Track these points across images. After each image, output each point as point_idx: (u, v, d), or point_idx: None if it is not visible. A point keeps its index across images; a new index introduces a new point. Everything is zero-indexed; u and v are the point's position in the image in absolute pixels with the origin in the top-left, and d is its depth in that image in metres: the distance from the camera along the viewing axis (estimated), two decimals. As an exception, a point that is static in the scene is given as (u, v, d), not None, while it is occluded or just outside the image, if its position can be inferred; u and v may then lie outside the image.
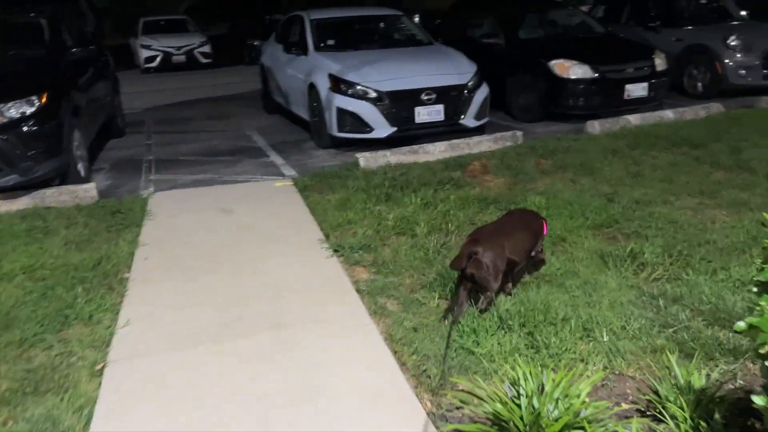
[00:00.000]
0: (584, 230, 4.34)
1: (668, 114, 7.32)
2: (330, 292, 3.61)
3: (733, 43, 8.48)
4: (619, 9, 10.47)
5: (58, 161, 5.54)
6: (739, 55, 8.44)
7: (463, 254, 3.10)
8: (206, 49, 17.88)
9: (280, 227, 4.69)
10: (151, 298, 3.60)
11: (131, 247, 4.36)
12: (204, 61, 17.73)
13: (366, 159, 6.15)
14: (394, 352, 2.98)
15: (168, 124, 9.41)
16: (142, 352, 3.04)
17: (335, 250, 4.20)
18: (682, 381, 2.43)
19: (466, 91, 6.84)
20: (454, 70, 6.92)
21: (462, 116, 6.87)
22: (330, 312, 3.36)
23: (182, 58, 17.42)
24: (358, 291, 3.62)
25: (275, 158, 6.94)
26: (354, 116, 6.64)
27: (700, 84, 8.90)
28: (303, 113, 7.79)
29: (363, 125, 6.64)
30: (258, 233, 4.57)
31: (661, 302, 3.31)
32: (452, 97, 6.76)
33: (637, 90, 7.51)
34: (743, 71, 8.42)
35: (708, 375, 2.56)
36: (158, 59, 17.25)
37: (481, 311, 3.16)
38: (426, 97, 6.65)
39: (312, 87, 7.20)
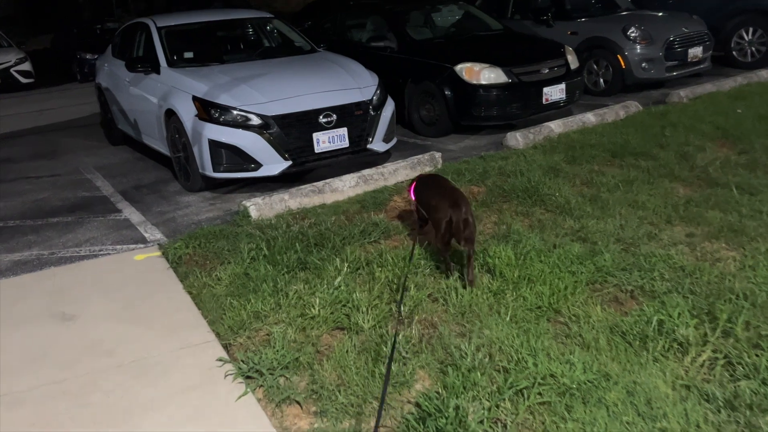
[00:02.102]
0: (579, 294, 3.27)
1: (590, 117, 6.54)
2: (260, 481, 2.18)
3: (634, 35, 7.94)
4: (501, 2, 9.69)
5: None
6: (641, 47, 7.91)
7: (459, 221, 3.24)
8: (26, 66, 15.01)
9: (153, 340, 3.14)
10: None
11: None
12: (24, 81, 14.88)
13: (258, 207, 4.69)
14: None
15: (-24, 171, 7.19)
16: None
17: (247, 377, 2.77)
18: None
19: (371, 109, 5.52)
20: (354, 83, 5.56)
21: (369, 140, 5.55)
22: None
23: (-5, 79, 14.52)
24: (304, 466, 2.24)
25: (130, 213, 5.21)
26: (233, 150, 5.11)
27: (602, 80, 8.31)
28: (161, 147, 6.10)
29: (247, 161, 5.13)
30: (120, 360, 2.99)
31: (750, 417, 2.29)
32: (356, 118, 5.41)
33: (555, 93, 6.61)
34: (646, 64, 7.90)
35: None
36: (-38, 82, 14.26)
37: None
38: (325, 120, 5.26)
39: (171, 114, 5.55)
